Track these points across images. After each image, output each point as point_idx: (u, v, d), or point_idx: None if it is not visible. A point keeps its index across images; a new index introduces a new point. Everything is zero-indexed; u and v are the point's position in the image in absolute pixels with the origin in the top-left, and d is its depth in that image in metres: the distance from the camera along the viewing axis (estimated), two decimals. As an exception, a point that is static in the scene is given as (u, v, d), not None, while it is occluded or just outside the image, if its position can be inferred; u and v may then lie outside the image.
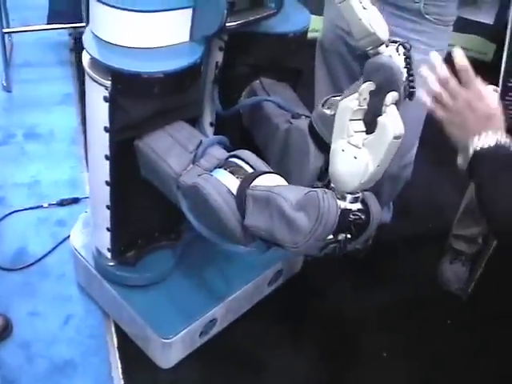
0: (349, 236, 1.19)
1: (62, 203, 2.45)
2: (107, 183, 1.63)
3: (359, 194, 1.18)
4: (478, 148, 1.09)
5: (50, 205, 2.45)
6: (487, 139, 1.08)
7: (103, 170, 1.61)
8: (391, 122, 1.09)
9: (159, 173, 1.51)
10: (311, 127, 1.49)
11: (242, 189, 1.33)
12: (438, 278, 2.38)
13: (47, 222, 2.38)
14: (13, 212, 2.40)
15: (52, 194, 2.51)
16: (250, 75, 1.73)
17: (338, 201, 1.16)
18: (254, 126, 1.73)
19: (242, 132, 1.77)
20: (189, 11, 1.45)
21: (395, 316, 2.20)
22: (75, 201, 2.46)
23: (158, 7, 1.41)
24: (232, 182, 1.36)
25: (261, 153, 1.62)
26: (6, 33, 3.21)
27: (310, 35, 1.75)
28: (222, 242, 1.43)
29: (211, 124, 1.84)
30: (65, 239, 2.25)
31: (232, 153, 1.45)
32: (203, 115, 1.83)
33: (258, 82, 1.73)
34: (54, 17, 3.49)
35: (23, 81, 3.23)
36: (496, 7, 4.24)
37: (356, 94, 1.18)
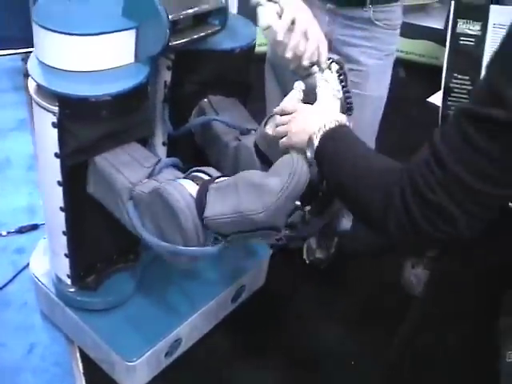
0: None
1: (21, 230, 2.41)
2: (61, 209, 1.62)
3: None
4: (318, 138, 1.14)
5: (8, 233, 2.41)
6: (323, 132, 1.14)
7: (57, 196, 1.59)
8: None
9: (111, 185, 1.50)
10: (256, 146, 1.50)
11: (205, 185, 1.33)
12: (400, 282, 2.39)
13: (6, 251, 2.34)
14: (-30, 242, 2.36)
15: (10, 221, 2.47)
16: (199, 93, 1.73)
17: None
18: (206, 145, 1.73)
19: (195, 151, 1.77)
20: (132, 32, 1.45)
21: (361, 323, 2.20)
22: (34, 227, 2.43)
23: (100, 30, 1.41)
24: (193, 188, 1.36)
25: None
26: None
27: (258, 49, 1.76)
28: (168, 248, 1.39)
29: (163, 143, 1.84)
30: (25, 267, 2.21)
31: (193, 168, 1.45)
32: (155, 135, 1.83)
33: (206, 100, 1.73)
34: (4, 43, 3.47)
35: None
36: (445, 12, 4.31)
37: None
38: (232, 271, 2.10)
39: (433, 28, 4.40)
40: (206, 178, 1.38)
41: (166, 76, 1.70)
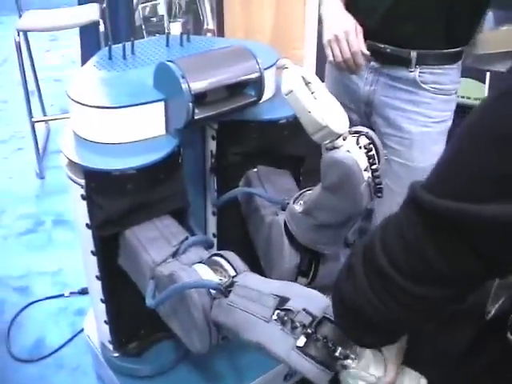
0: None
1: (83, 291, 2.44)
2: (97, 277, 1.63)
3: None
4: None
5: (71, 293, 2.46)
6: None
7: (92, 264, 1.60)
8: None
9: (137, 261, 1.49)
10: (285, 224, 1.43)
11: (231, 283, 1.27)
12: None
13: (67, 312, 2.39)
14: (34, 302, 2.42)
15: (74, 282, 2.52)
16: (245, 163, 1.69)
17: None
18: (247, 216, 1.69)
19: (243, 221, 1.73)
20: (160, 104, 1.45)
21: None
22: (96, 289, 2.45)
23: (128, 102, 1.42)
24: (209, 274, 1.33)
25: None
26: (35, 122, 3.31)
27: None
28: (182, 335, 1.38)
29: (213, 213, 1.81)
30: (82, 329, 2.23)
31: (215, 252, 1.42)
32: (206, 205, 1.82)
33: (254, 170, 1.69)
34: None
35: (57, 167, 3.29)
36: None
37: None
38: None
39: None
40: (225, 264, 1.34)
41: (212, 146, 1.69)
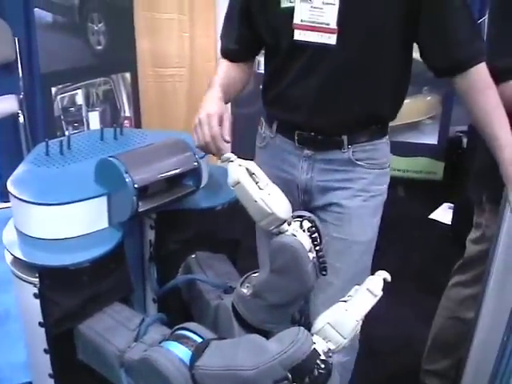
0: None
1: (19, 392, 2.37)
2: (50, 376, 1.59)
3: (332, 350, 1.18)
4: None
5: (3, 392, 2.38)
6: None
7: (45, 363, 1.57)
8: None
9: (101, 353, 1.49)
10: (233, 307, 1.46)
11: (206, 342, 1.30)
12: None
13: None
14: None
15: (6, 378, 2.43)
16: (185, 250, 1.73)
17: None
18: (191, 302, 1.71)
19: (184, 306, 1.75)
20: (103, 199, 1.50)
21: None
22: (30, 384, 2.38)
23: (72, 199, 1.46)
24: (183, 351, 1.33)
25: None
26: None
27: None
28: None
29: (154, 300, 1.83)
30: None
31: (178, 326, 1.43)
32: (146, 292, 1.84)
33: (192, 256, 1.73)
34: (5, 194, 3.55)
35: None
36: (437, 127, 4.43)
37: None
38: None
39: (427, 144, 4.51)
40: (192, 336, 1.36)
41: (150, 235, 1.73)
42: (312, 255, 1.31)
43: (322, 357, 1.16)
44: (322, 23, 1.62)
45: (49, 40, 3.28)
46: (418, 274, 3.16)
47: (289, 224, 1.31)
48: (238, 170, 1.31)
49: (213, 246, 1.75)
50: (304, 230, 1.32)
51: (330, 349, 1.18)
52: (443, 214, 4.12)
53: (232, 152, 1.38)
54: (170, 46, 3.79)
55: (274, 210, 1.27)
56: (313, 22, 1.62)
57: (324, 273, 1.34)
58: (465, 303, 2.19)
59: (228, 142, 1.58)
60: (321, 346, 1.17)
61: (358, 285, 1.26)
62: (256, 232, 1.96)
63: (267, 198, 1.28)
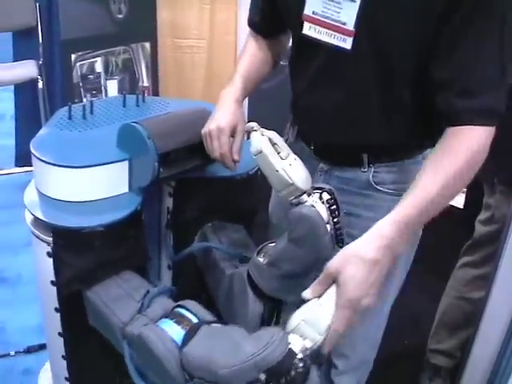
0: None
1: (29, 350, 2.41)
2: (60, 334, 1.63)
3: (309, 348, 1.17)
4: None
5: (16, 353, 2.42)
6: None
7: (55, 321, 1.61)
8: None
9: (106, 322, 1.51)
10: (249, 275, 1.47)
11: (198, 325, 1.32)
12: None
13: (13, 372, 2.35)
14: (-22, 363, 2.37)
15: (18, 341, 2.48)
16: (201, 219, 1.75)
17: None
18: (205, 270, 1.73)
19: (198, 274, 1.77)
20: (125, 164, 1.52)
21: None
22: (42, 347, 2.40)
23: (93, 162, 1.48)
24: (177, 332, 1.35)
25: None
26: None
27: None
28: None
29: (169, 267, 1.85)
30: (36, 388, 2.21)
31: (178, 303, 1.45)
32: (161, 259, 1.86)
33: (209, 225, 1.74)
34: (21, 159, 3.60)
35: (-7, 224, 3.27)
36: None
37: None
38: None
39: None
40: (189, 316, 1.37)
41: (168, 202, 1.75)
42: (330, 227, 1.32)
43: (300, 355, 1.15)
44: (337, 21, 1.32)
45: (70, 6, 3.27)
46: (426, 256, 3.16)
47: (308, 195, 1.33)
48: (260, 140, 1.33)
49: (230, 215, 1.76)
50: (323, 202, 1.32)
51: (307, 347, 1.17)
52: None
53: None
54: (190, 17, 3.76)
55: (294, 180, 1.29)
56: (326, 18, 1.33)
57: (340, 245, 1.34)
58: (473, 283, 2.21)
59: (236, 162, 1.50)
60: (297, 345, 1.16)
61: None
62: (270, 203, 1.85)
63: (288, 168, 1.30)
